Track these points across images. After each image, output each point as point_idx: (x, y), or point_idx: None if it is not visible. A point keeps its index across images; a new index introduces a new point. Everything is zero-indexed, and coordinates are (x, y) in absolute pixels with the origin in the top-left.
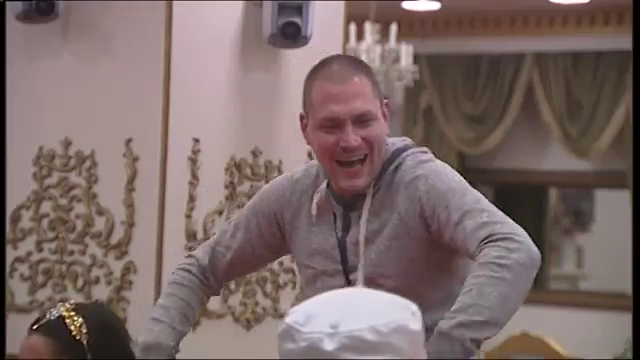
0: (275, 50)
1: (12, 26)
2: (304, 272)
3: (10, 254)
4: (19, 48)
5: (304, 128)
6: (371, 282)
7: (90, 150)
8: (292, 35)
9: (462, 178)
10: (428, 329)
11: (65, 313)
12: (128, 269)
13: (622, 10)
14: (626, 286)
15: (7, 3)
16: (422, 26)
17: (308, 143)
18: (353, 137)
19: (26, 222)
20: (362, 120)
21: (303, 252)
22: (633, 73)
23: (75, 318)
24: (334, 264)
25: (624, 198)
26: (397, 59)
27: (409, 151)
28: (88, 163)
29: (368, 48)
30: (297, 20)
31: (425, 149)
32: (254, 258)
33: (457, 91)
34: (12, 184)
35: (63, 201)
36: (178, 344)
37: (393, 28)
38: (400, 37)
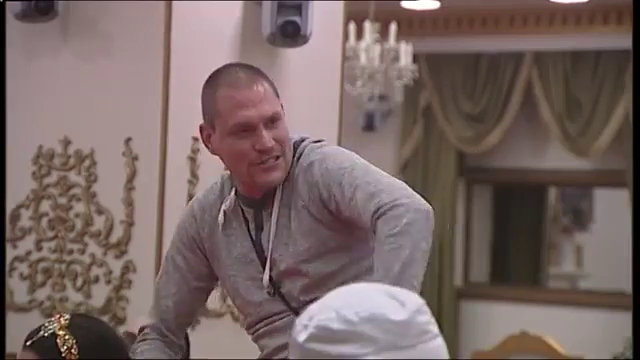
0: (274, 49)
1: (11, 25)
2: (229, 282)
3: (9, 253)
4: (18, 47)
5: (207, 139)
6: (294, 272)
7: (89, 149)
8: (291, 34)
9: (354, 155)
10: None
11: (58, 332)
12: (127, 268)
13: (621, 9)
14: (625, 285)
15: (6, 2)
16: (421, 25)
17: (213, 153)
18: (267, 139)
19: (25, 221)
20: (272, 121)
21: (225, 263)
22: (633, 72)
23: (67, 337)
24: (256, 267)
25: (623, 197)
26: (396, 58)
27: (306, 142)
28: (87, 162)
29: (367, 47)
30: (296, 19)
31: (321, 139)
32: (194, 294)
33: (456, 90)
34: (11, 183)
35: (62, 200)
36: None
37: (392, 27)
38: (399, 36)
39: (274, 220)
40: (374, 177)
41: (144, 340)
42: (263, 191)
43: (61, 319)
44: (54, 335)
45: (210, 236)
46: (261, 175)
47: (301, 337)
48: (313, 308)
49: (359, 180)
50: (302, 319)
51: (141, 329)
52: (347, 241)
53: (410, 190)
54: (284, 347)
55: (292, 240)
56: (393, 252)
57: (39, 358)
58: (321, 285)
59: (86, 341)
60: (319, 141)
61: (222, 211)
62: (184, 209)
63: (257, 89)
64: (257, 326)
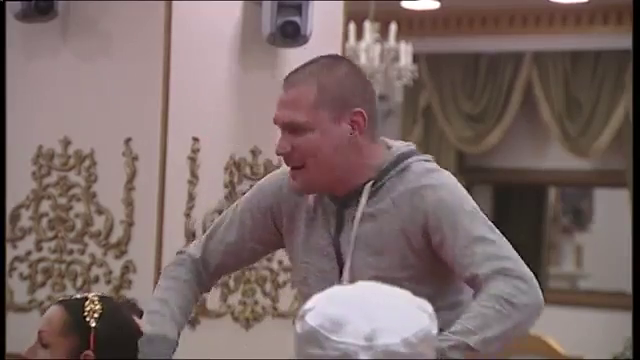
0: (274, 49)
1: (11, 25)
2: (299, 268)
3: (9, 253)
4: (18, 47)
5: None
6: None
7: (89, 149)
8: (291, 34)
9: (468, 194)
10: None
11: (90, 296)
12: (127, 268)
13: (621, 9)
14: (625, 285)
15: (6, 2)
16: (421, 25)
17: None
18: (282, 144)
19: (25, 221)
20: (292, 129)
21: (300, 247)
22: (633, 72)
23: (95, 303)
24: (330, 262)
25: (623, 197)
26: (396, 58)
27: (414, 157)
28: (87, 162)
29: (367, 47)
30: (296, 19)
31: (429, 157)
32: (247, 253)
33: (456, 90)
34: (11, 183)
35: (62, 200)
36: (179, 337)
37: (392, 27)
38: (399, 36)
39: (356, 225)
40: (497, 237)
41: (179, 264)
42: (342, 192)
43: (98, 293)
44: (86, 298)
45: (291, 215)
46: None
47: (363, 356)
48: (338, 313)
49: (479, 233)
50: (344, 335)
51: (179, 252)
52: (428, 272)
53: (530, 271)
54: None
55: (371, 250)
56: (500, 315)
57: (64, 313)
58: None
59: (109, 315)
60: (427, 160)
61: (312, 197)
62: (276, 171)
63: (291, 92)
64: None
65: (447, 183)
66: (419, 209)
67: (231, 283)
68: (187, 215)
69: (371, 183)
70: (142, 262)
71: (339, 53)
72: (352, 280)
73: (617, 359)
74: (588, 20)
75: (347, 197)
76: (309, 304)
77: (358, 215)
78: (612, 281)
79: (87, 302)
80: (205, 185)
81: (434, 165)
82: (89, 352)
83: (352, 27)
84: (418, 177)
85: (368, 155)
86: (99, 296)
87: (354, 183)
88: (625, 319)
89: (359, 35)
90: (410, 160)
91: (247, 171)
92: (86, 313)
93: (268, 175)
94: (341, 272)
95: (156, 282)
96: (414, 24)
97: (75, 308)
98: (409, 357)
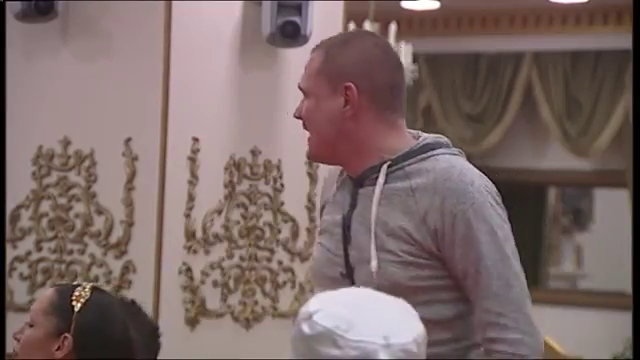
0: (274, 49)
1: (11, 25)
2: (315, 247)
3: (9, 253)
4: (18, 47)
5: None
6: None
7: (89, 149)
8: (291, 34)
9: (500, 209)
10: None
11: (84, 284)
12: (127, 268)
13: (621, 9)
14: (625, 285)
15: (6, 2)
16: (421, 25)
17: None
18: (297, 107)
19: (25, 221)
20: (303, 94)
21: (320, 227)
22: (633, 72)
23: (85, 290)
24: (337, 241)
25: (623, 197)
26: None
27: (444, 149)
28: (87, 162)
29: None
30: (296, 19)
31: (458, 150)
32: None
33: (456, 90)
34: (11, 183)
35: (62, 200)
36: None
37: (392, 27)
38: (399, 36)
39: (375, 203)
40: (518, 299)
41: None
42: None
43: (98, 284)
44: (78, 285)
45: (327, 199)
46: None
47: (383, 356)
48: (348, 314)
49: (497, 288)
50: (360, 334)
51: None
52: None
53: (539, 336)
54: None
55: (380, 235)
56: None
57: (53, 294)
58: (395, 294)
59: (96, 304)
60: (454, 154)
61: (337, 176)
62: None
63: (310, 57)
64: None
65: (483, 199)
66: (444, 211)
67: (231, 283)
68: (187, 215)
69: (388, 164)
70: (142, 262)
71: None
72: (360, 261)
73: (617, 359)
74: (588, 20)
75: (361, 177)
76: (313, 306)
77: (377, 192)
78: (612, 281)
79: (79, 287)
80: (205, 185)
81: (463, 161)
82: (67, 335)
83: (352, 27)
84: (442, 175)
85: (376, 136)
86: (95, 286)
87: (366, 163)
88: (625, 319)
89: None
90: (437, 151)
91: (247, 171)
92: (73, 297)
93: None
94: (345, 252)
95: (156, 282)
96: (414, 24)
97: (65, 291)
98: (419, 357)
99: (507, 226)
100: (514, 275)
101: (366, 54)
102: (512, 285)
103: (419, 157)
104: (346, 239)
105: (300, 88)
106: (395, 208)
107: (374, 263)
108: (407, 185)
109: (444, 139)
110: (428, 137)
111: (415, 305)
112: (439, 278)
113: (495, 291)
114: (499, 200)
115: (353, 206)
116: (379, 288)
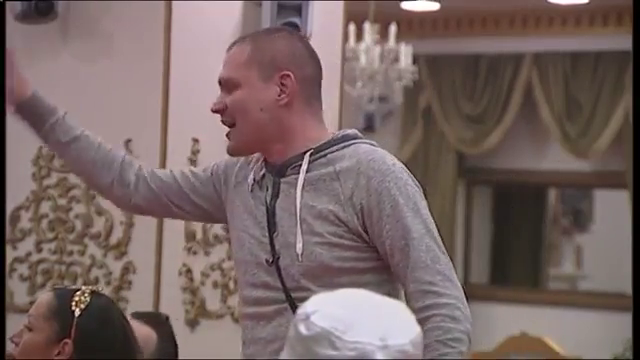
0: None
1: (12, 26)
2: (236, 236)
3: (9, 254)
4: (18, 48)
5: None
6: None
7: None
8: None
9: (414, 185)
10: None
11: (83, 288)
12: (127, 269)
13: (621, 10)
14: (625, 286)
15: (6, 3)
16: (421, 26)
17: None
18: (216, 101)
19: (25, 222)
20: (226, 86)
21: (241, 217)
22: (633, 73)
23: (85, 296)
24: (262, 230)
25: (623, 198)
26: (396, 59)
27: (363, 139)
28: None
29: (367, 48)
30: (296, 20)
31: (374, 142)
32: (179, 195)
33: (456, 91)
34: (11, 184)
35: (62, 201)
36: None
37: (392, 28)
38: (399, 37)
39: (299, 191)
40: (441, 262)
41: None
42: (271, 159)
43: (98, 287)
44: (78, 289)
45: (236, 184)
46: None
47: (380, 355)
48: (346, 315)
49: (425, 258)
50: (358, 335)
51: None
52: (362, 256)
53: (462, 294)
54: (271, 341)
55: (307, 219)
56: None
57: (52, 298)
58: (321, 276)
59: (97, 309)
60: (372, 144)
61: (254, 166)
62: None
63: (230, 52)
64: (245, 306)
65: (399, 177)
66: (363, 189)
67: (231, 284)
68: None
69: (310, 152)
70: (142, 263)
71: (339, 54)
72: (285, 246)
73: (618, 359)
74: (588, 21)
75: (284, 165)
76: (309, 307)
77: (301, 178)
78: (612, 282)
79: (78, 292)
80: None
81: (381, 149)
82: (68, 341)
83: (352, 28)
84: (366, 157)
85: (303, 126)
86: (94, 290)
87: (290, 152)
88: (625, 320)
89: (359, 36)
90: (357, 141)
91: None
92: (73, 302)
93: None
94: (271, 240)
95: (156, 283)
96: (414, 25)
97: (64, 296)
98: (416, 357)
99: (426, 205)
100: (439, 247)
101: (294, 46)
102: (439, 256)
103: (341, 145)
104: (271, 227)
105: (223, 80)
106: (321, 193)
107: (299, 246)
108: (331, 170)
109: (360, 133)
110: (346, 129)
111: (340, 286)
112: (364, 260)
113: (425, 262)
114: (417, 182)
115: (276, 195)
116: (306, 270)
